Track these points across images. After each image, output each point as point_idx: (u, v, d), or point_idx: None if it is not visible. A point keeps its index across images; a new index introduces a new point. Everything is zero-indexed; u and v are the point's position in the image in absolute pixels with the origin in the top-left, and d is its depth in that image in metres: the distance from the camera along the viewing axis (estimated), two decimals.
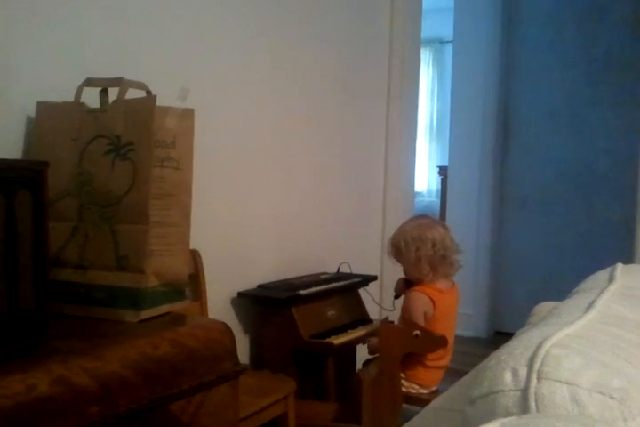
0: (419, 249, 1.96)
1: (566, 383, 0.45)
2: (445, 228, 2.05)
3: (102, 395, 0.99)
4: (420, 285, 1.99)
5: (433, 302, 1.94)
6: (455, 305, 2.06)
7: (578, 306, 0.65)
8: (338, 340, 2.02)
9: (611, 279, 0.79)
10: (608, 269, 0.88)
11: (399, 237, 2.04)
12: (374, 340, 2.05)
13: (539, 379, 0.46)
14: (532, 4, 3.68)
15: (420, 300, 1.95)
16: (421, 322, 1.89)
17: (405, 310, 1.99)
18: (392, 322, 2.18)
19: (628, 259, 2.49)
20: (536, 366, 0.47)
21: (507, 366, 0.49)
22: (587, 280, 0.88)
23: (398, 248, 2.02)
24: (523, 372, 0.47)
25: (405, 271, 2.08)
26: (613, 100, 3.39)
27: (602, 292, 0.71)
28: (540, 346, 0.49)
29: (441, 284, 2.00)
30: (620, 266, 0.88)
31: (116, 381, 1.03)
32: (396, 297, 2.16)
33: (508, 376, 0.48)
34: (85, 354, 1.04)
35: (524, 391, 0.46)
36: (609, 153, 3.41)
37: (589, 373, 0.46)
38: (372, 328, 2.13)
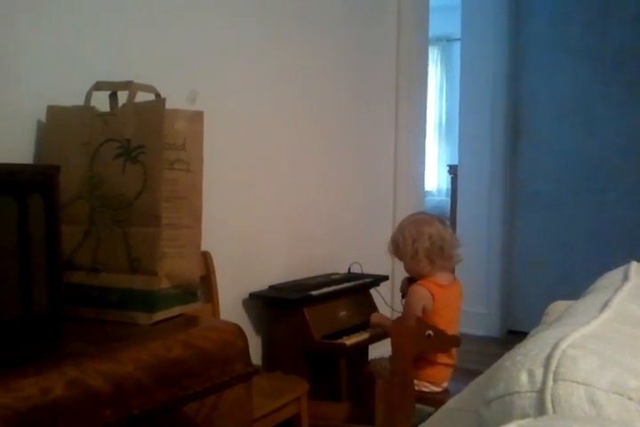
0: (415, 242, 1.98)
1: (583, 384, 0.44)
2: (443, 222, 2.07)
3: (116, 397, 1.00)
4: (420, 279, 2.00)
5: (432, 295, 1.95)
6: (457, 300, 2.06)
7: (593, 305, 0.65)
8: (350, 340, 2.01)
9: (625, 278, 0.78)
10: (622, 268, 0.87)
11: (397, 233, 2.07)
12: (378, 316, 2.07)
13: (555, 380, 0.46)
14: (541, 1, 3.66)
15: (419, 293, 1.96)
16: (419, 315, 1.90)
17: (405, 304, 2.01)
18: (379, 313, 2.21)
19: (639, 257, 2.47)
20: (552, 366, 0.47)
21: (522, 367, 0.48)
22: (601, 279, 0.87)
23: (397, 244, 2.04)
24: (539, 373, 0.47)
25: (405, 267, 2.10)
26: (624, 98, 3.36)
27: (616, 291, 0.70)
28: (555, 347, 0.49)
29: (441, 278, 2.00)
30: (634, 264, 0.88)
31: (130, 383, 1.03)
32: (403, 297, 2.16)
33: (523, 377, 0.47)
34: (99, 357, 1.04)
35: (541, 393, 0.46)
36: (620, 150, 3.38)
37: (606, 373, 0.46)
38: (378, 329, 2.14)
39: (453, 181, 4.22)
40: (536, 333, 1.02)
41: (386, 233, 2.75)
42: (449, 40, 6.30)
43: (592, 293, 0.78)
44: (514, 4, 3.67)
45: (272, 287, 2.15)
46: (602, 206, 3.47)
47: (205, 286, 1.90)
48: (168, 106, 1.32)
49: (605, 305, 0.63)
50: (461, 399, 0.84)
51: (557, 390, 0.45)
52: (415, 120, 3.01)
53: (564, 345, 0.49)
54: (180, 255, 1.35)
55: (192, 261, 1.38)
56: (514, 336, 3.62)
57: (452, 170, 4.26)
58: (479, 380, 0.93)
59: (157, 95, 1.41)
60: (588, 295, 0.77)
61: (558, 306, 1.09)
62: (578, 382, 0.45)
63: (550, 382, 0.46)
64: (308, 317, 2.01)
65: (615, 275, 0.83)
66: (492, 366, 0.98)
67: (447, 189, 5.84)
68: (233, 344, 1.22)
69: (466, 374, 2.12)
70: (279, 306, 2.09)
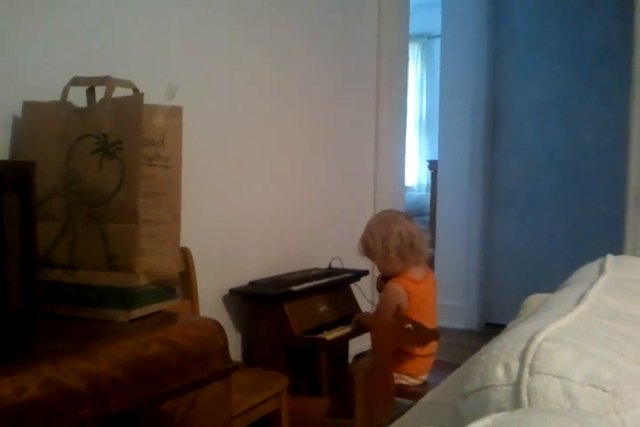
0: (385, 240, 1.99)
1: (558, 377, 0.45)
2: (410, 218, 2.09)
3: (93, 396, 0.99)
4: (394, 277, 2.01)
5: (408, 293, 1.96)
6: (432, 293, 2.07)
7: (569, 298, 0.65)
8: (330, 335, 2.02)
9: (601, 271, 0.79)
10: (598, 261, 0.88)
11: (366, 233, 2.08)
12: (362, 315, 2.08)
13: (531, 373, 0.46)
14: None
15: (393, 290, 1.97)
16: (391, 313, 1.91)
17: (380, 301, 2.01)
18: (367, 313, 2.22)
19: (617, 251, 2.50)
20: (528, 360, 0.47)
21: (498, 360, 0.49)
22: (577, 272, 0.88)
23: (367, 244, 2.05)
24: (515, 366, 0.47)
25: (378, 267, 2.10)
26: (601, 94, 3.40)
27: (593, 284, 0.71)
28: (531, 340, 0.49)
29: (414, 273, 2.02)
30: (610, 257, 0.89)
31: (107, 381, 1.02)
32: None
33: (500, 371, 0.48)
34: (75, 355, 1.03)
35: (517, 386, 0.46)
36: (598, 146, 3.42)
37: (581, 366, 0.46)
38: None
39: (433, 177, 4.24)
40: (513, 326, 1.03)
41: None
42: (430, 37, 6.31)
43: (568, 286, 0.79)
44: (493, 2, 3.70)
45: (252, 283, 2.15)
46: (580, 203, 3.51)
47: (185, 282, 1.89)
48: (146, 101, 1.30)
49: (581, 298, 0.64)
50: (439, 393, 0.84)
51: (533, 383, 0.45)
52: (396, 116, 3.02)
53: (539, 338, 0.49)
54: (159, 252, 1.34)
55: (171, 258, 1.37)
56: (492, 329, 3.65)
57: (433, 165, 4.28)
58: (457, 373, 0.94)
59: (135, 90, 1.39)
60: (565, 288, 0.78)
61: (535, 299, 1.10)
62: (553, 375, 0.45)
63: (526, 376, 0.46)
64: (288, 312, 2.01)
65: (591, 268, 0.84)
66: (470, 359, 0.99)
67: (427, 185, 5.86)
68: (212, 341, 1.21)
69: (445, 367, 2.14)
70: (259, 302, 2.09)
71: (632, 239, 2.42)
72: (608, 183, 3.28)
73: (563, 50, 3.53)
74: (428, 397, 0.87)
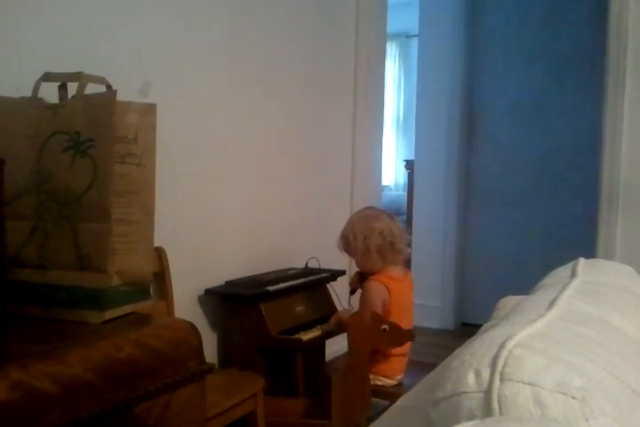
0: (366, 238, 1.99)
1: (529, 384, 0.45)
2: (391, 217, 2.09)
3: (64, 399, 0.97)
4: (373, 275, 2.01)
5: (389, 290, 1.96)
6: (410, 291, 2.08)
7: (540, 303, 0.66)
8: (307, 336, 2.01)
9: (573, 275, 0.80)
10: (570, 264, 0.89)
11: (347, 229, 2.07)
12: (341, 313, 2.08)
13: (501, 380, 0.46)
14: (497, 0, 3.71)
15: (376, 288, 1.97)
16: (379, 310, 1.91)
17: (363, 300, 2.01)
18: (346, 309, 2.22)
19: (590, 252, 2.54)
20: (499, 367, 0.47)
21: (470, 367, 0.48)
22: (549, 275, 0.88)
23: (347, 241, 2.04)
24: (485, 373, 0.47)
25: (357, 263, 2.11)
26: (577, 96, 3.45)
27: (564, 288, 0.71)
28: (502, 346, 0.49)
29: (393, 272, 2.02)
30: (581, 261, 0.90)
31: (79, 384, 1.01)
32: (352, 292, 2.16)
33: (471, 378, 0.47)
34: (46, 357, 1.01)
35: (487, 393, 0.46)
36: (572, 147, 3.47)
37: (551, 373, 0.46)
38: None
39: (410, 176, 4.26)
40: (485, 329, 1.03)
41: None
42: (407, 36, 6.33)
43: (540, 289, 0.79)
44: (470, 2, 3.72)
45: (228, 283, 2.13)
46: (555, 203, 3.55)
47: (159, 282, 1.87)
48: (120, 98, 1.28)
49: (552, 303, 0.64)
50: (412, 397, 0.84)
51: (504, 390, 0.45)
52: (373, 116, 3.02)
53: (510, 345, 0.49)
54: (132, 251, 1.32)
55: (144, 258, 1.35)
56: (467, 329, 3.69)
57: (409, 165, 4.30)
58: (430, 376, 0.94)
59: (108, 87, 1.37)
60: (537, 292, 0.78)
61: (508, 301, 1.11)
62: (523, 383, 0.45)
63: (497, 383, 0.46)
64: (264, 312, 2.00)
65: (563, 271, 0.85)
66: (442, 363, 0.99)
67: (404, 184, 5.89)
68: (186, 342, 1.20)
69: (420, 367, 2.15)
70: (235, 302, 2.08)
71: (604, 240, 2.46)
72: (582, 183, 3.33)
73: (539, 51, 3.57)
74: (402, 400, 0.87)
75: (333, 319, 2.11)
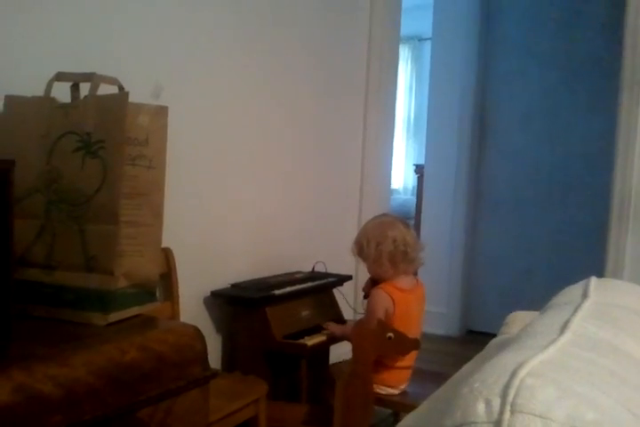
0: (379, 245, 1.99)
1: (540, 417, 0.44)
2: (407, 225, 2.08)
3: (67, 403, 0.97)
4: (382, 282, 2.00)
5: (393, 300, 1.95)
6: (418, 303, 2.06)
7: (552, 326, 0.64)
8: (311, 341, 2.00)
9: (585, 295, 0.78)
10: (582, 284, 0.87)
11: (361, 235, 2.07)
12: (333, 326, 2.07)
13: (512, 411, 0.45)
14: (511, 4, 3.69)
15: (380, 297, 1.96)
16: (381, 317, 1.90)
17: (368, 307, 2.01)
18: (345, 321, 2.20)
19: (598, 262, 2.52)
20: (510, 397, 0.46)
21: (480, 395, 0.47)
22: (560, 294, 0.87)
23: (361, 246, 2.04)
24: (496, 403, 0.46)
25: (368, 269, 2.10)
26: (589, 104, 3.42)
27: (576, 309, 0.70)
28: (514, 374, 0.48)
29: (403, 282, 2.01)
30: (593, 280, 0.88)
31: (82, 388, 1.00)
32: (365, 297, 2.16)
33: (480, 407, 0.46)
34: (50, 360, 1.00)
35: (497, 424, 0.45)
36: (583, 156, 3.44)
37: (563, 405, 0.45)
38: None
39: (419, 181, 4.24)
40: (494, 346, 1.02)
41: (351, 232, 2.76)
42: (420, 39, 6.31)
43: (551, 308, 0.78)
44: (485, 6, 3.70)
45: (234, 286, 2.13)
46: (564, 212, 3.53)
47: (166, 283, 1.87)
48: (132, 100, 1.28)
49: (565, 326, 0.63)
50: (418, 417, 0.83)
51: (514, 422, 0.44)
52: (384, 120, 3.01)
53: (522, 373, 0.48)
54: (139, 254, 1.31)
55: (151, 260, 1.34)
56: (473, 336, 3.67)
57: (419, 169, 4.28)
58: (438, 394, 0.93)
59: (121, 88, 1.37)
60: (548, 312, 0.77)
61: (517, 316, 1.09)
62: (534, 415, 0.44)
63: (507, 414, 0.45)
64: (269, 316, 2.00)
65: (575, 291, 0.84)
66: (452, 378, 0.98)
67: (413, 188, 5.86)
68: (190, 347, 1.19)
69: (425, 375, 2.14)
70: (241, 305, 2.07)
71: (614, 253, 2.43)
72: (593, 193, 3.30)
73: (552, 58, 3.55)
74: (407, 421, 0.86)
75: (327, 332, 2.09)
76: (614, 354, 0.59)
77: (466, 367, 0.95)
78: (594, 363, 0.55)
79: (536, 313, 0.91)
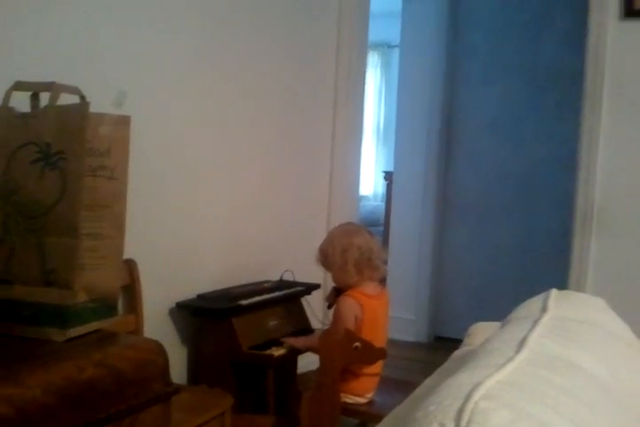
0: (345, 252, 1.99)
1: None
2: (371, 234, 2.11)
3: (21, 424, 0.94)
4: (348, 290, 2.00)
5: (361, 306, 1.96)
6: (384, 310, 2.07)
7: (509, 342, 0.65)
8: (278, 351, 1.99)
9: (544, 309, 0.79)
10: (542, 296, 0.88)
11: (327, 243, 2.07)
12: (292, 340, 2.05)
13: None
14: (478, 13, 3.74)
15: (349, 304, 1.97)
16: (352, 326, 1.90)
17: (336, 315, 2.00)
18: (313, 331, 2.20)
19: (563, 268, 2.56)
20: (463, 422, 0.45)
21: (434, 419, 0.47)
22: (520, 307, 0.88)
23: (326, 254, 2.04)
24: None
25: (333, 277, 2.10)
26: (555, 111, 3.48)
27: (535, 324, 0.70)
28: (468, 397, 0.48)
29: (368, 288, 2.02)
30: (554, 293, 0.89)
31: (38, 408, 0.97)
32: (329, 307, 2.15)
33: None
34: (4, 379, 0.97)
35: None
36: (549, 162, 3.50)
37: None
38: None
39: (388, 188, 4.26)
40: (457, 358, 1.02)
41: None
42: (390, 46, 6.36)
43: (510, 323, 0.79)
44: (452, 15, 3.75)
45: (200, 296, 2.10)
46: (530, 217, 3.58)
47: (129, 295, 1.83)
48: (94, 109, 1.25)
49: (522, 343, 0.63)
50: None
51: None
52: (352, 127, 3.02)
53: (476, 396, 0.48)
54: (100, 267, 1.29)
55: (112, 273, 1.32)
56: (441, 342, 3.69)
57: (388, 176, 4.31)
58: (398, 410, 0.92)
59: (82, 97, 1.34)
60: (507, 326, 0.77)
61: (480, 328, 1.10)
62: None
63: None
64: (236, 327, 1.97)
65: (535, 304, 0.84)
66: (413, 393, 0.97)
67: (383, 195, 5.89)
68: (152, 363, 1.17)
69: (392, 383, 2.14)
70: (207, 316, 2.05)
71: (577, 262, 2.47)
72: (560, 199, 3.35)
73: (518, 66, 3.60)
74: None
75: (286, 346, 2.07)
76: (570, 371, 0.60)
77: (428, 381, 0.94)
78: (549, 382, 0.55)
79: (498, 324, 0.91)
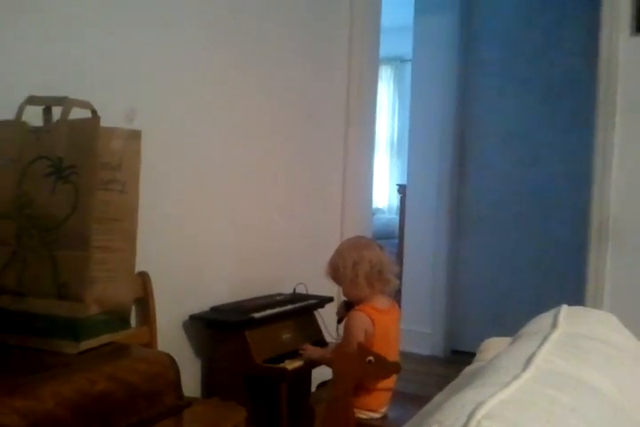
0: (356, 265, 1.98)
1: None
2: (381, 247, 2.09)
3: None
4: (359, 304, 1.99)
5: (372, 320, 1.94)
6: (395, 324, 2.05)
7: (517, 359, 0.63)
8: (292, 365, 1.97)
9: (554, 325, 0.78)
10: (552, 312, 0.87)
11: (337, 256, 2.05)
12: (311, 349, 2.03)
13: None
14: (490, 27, 3.74)
15: (359, 319, 1.95)
16: (362, 341, 1.88)
17: (346, 330, 1.98)
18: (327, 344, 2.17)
19: (578, 282, 2.52)
20: None
21: None
22: (531, 323, 0.86)
23: (336, 267, 2.03)
24: None
25: (344, 291, 2.09)
26: (567, 125, 3.46)
27: (543, 341, 0.69)
28: (471, 416, 0.47)
29: (379, 302, 2.00)
30: (564, 309, 0.87)
31: (50, 420, 0.97)
32: (339, 322, 2.14)
33: None
34: (16, 392, 0.98)
35: None
36: (563, 175, 3.47)
37: None
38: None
39: (402, 201, 4.25)
40: (468, 374, 1.01)
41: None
42: (402, 60, 6.38)
43: (520, 339, 0.77)
44: (464, 29, 3.75)
45: (213, 309, 2.10)
46: (545, 231, 3.54)
47: (142, 308, 1.84)
48: (105, 124, 1.27)
49: (529, 360, 0.62)
50: None
51: None
52: (364, 142, 3.02)
53: (479, 415, 0.47)
54: (111, 280, 1.29)
55: (124, 286, 1.32)
56: (457, 356, 3.65)
57: (402, 189, 4.30)
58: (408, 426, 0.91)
59: (94, 112, 1.35)
60: (516, 342, 0.76)
61: (491, 343, 1.09)
62: None
63: None
64: (249, 340, 1.97)
65: (545, 320, 0.83)
66: (422, 409, 0.96)
67: (397, 207, 5.87)
68: (163, 376, 1.17)
69: (407, 398, 2.12)
70: (220, 329, 2.04)
71: (594, 275, 2.43)
72: (573, 212, 3.32)
73: (531, 80, 3.59)
74: None
75: (305, 358, 2.06)
76: (577, 389, 0.58)
77: (437, 398, 0.93)
78: (555, 401, 0.54)
79: (509, 340, 0.90)
